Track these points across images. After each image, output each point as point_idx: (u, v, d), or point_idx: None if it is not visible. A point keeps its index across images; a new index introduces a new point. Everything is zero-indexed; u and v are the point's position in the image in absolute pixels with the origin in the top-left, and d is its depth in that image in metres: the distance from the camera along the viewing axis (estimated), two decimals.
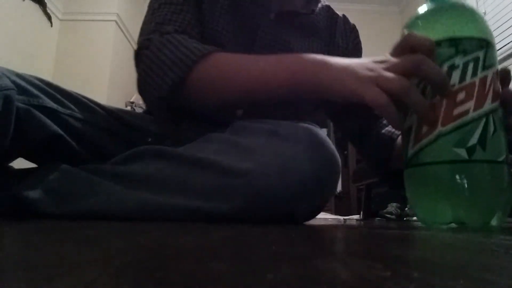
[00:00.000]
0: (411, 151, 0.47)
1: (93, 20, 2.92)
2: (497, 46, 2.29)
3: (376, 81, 0.44)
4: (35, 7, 2.52)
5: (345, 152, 3.01)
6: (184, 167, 0.51)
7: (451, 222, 0.45)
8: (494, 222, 0.45)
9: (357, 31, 0.92)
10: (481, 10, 2.49)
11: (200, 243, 0.28)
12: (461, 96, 0.43)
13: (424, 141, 0.45)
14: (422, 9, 0.49)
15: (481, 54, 0.44)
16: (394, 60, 0.47)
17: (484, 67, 0.44)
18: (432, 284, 0.13)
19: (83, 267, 0.16)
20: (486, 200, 0.44)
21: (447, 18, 0.47)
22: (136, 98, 3.34)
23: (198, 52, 0.56)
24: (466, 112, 0.43)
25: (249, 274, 0.15)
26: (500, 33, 2.28)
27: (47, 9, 2.63)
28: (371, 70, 0.46)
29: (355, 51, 0.91)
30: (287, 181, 0.46)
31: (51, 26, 2.71)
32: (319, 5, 0.83)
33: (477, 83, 0.43)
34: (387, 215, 1.98)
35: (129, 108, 3.19)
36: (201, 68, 0.56)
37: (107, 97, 2.77)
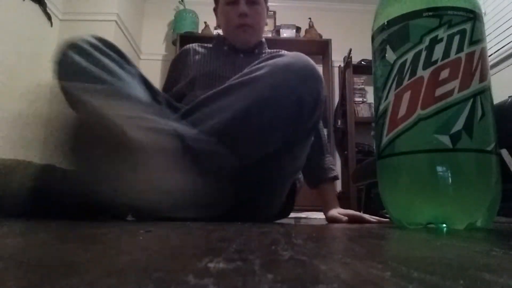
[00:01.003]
0: (385, 139, 0.41)
1: (93, 20, 2.92)
2: (497, 46, 2.29)
3: None
4: (35, 7, 2.52)
5: (345, 152, 3.01)
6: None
7: (430, 223, 0.39)
8: (479, 223, 0.38)
9: None
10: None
11: (200, 243, 0.28)
12: (444, 74, 0.37)
13: (401, 126, 0.39)
14: None
15: (468, 27, 0.38)
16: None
17: (472, 42, 0.38)
18: (432, 284, 0.13)
19: (83, 267, 0.16)
20: (472, 196, 0.37)
21: None
22: None
23: None
24: (450, 92, 0.37)
25: (249, 274, 0.15)
26: (500, 33, 2.28)
27: (47, 9, 2.63)
28: None
29: None
30: (290, 73, 0.65)
31: (51, 26, 2.71)
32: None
33: (463, 60, 0.37)
34: (387, 215, 1.98)
35: None
36: None
37: None
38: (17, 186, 0.55)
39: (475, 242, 0.32)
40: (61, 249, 0.22)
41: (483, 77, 0.38)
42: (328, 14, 3.51)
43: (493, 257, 0.21)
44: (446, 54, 0.38)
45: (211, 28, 3.52)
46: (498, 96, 1.60)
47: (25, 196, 0.54)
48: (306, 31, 3.32)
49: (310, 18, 3.35)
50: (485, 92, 0.38)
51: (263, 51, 1.12)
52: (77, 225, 0.57)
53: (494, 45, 2.34)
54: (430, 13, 0.38)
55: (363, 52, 3.59)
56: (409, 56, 0.39)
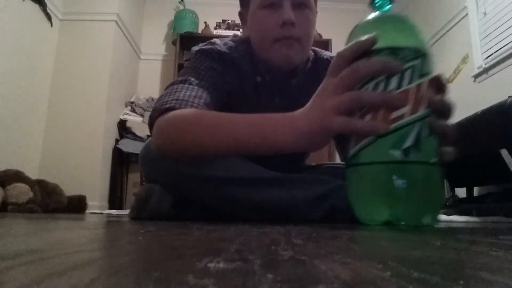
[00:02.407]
0: (351, 151, 0.49)
1: (93, 20, 2.92)
2: (497, 46, 2.29)
3: (333, 113, 0.49)
4: (35, 7, 2.52)
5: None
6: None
7: (388, 220, 0.47)
8: (426, 221, 0.47)
9: None
10: (481, 10, 2.49)
11: (200, 243, 0.28)
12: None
13: (364, 142, 0.47)
14: (367, 17, 0.53)
15: (417, 63, 0.47)
16: (335, 82, 0.50)
17: (420, 75, 0.47)
18: (432, 284, 0.13)
19: (83, 267, 0.16)
20: (420, 199, 0.46)
21: (388, 29, 0.50)
22: (136, 98, 3.35)
23: (166, 105, 0.69)
24: (402, 116, 0.45)
25: (249, 274, 0.15)
26: (500, 33, 2.28)
27: (47, 9, 2.63)
28: (323, 109, 0.51)
29: None
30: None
31: (51, 26, 2.71)
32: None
33: (413, 90, 0.46)
34: None
35: (129, 108, 3.19)
36: (162, 119, 0.68)
37: (107, 97, 2.77)
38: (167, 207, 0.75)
39: (475, 242, 0.32)
40: (61, 249, 0.22)
41: (429, 103, 0.48)
42: (328, 14, 3.51)
43: (493, 257, 0.21)
44: (399, 84, 0.47)
45: (211, 28, 3.52)
46: (498, 96, 1.60)
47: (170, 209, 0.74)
48: None
49: None
50: (431, 115, 0.47)
51: (306, 69, 0.87)
52: (76, 225, 0.57)
53: (494, 45, 2.34)
54: (388, 51, 0.47)
55: None
56: (371, 85, 0.48)
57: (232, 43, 0.86)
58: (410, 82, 0.46)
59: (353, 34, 0.53)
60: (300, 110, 0.56)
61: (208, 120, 0.65)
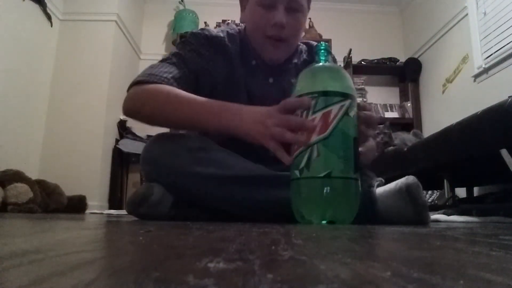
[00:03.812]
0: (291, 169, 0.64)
1: (93, 20, 2.91)
2: (497, 46, 2.29)
3: (270, 135, 0.65)
4: (35, 7, 2.52)
5: None
6: None
7: (323, 220, 0.60)
8: (344, 219, 0.61)
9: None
10: (481, 10, 2.49)
11: (200, 243, 0.28)
12: (301, 134, 0.62)
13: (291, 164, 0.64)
14: (312, 66, 0.68)
15: (347, 103, 0.62)
16: (280, 118, 0.65)
17: (315, 111, 0.61)
18: (432, 284, 0.13)
19: (83, 267, 0.16)
20: (340, 204, 0.60)
21: (321, 77, 0.65)
22: None
23: (142, 78, 0.81)
24: (300, 145, 0.61)
25: (249, 274, 0.15)
26: (500, 33, 2.28)
27: (47, 9, 2.62)
28: (265, 126, 0.66)
29: None
30: None
31: (51, 26, 2.71)
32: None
33: (310, 121, 0.61)
34: None
35: None
36: (135, 90, 0.82)
37: (107, 97, 2.77)
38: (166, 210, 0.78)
39: (475, 242, 0.32)
40: (61, 249, 0.22)
41: (323, 130, 0.60)
42: (328, 14, 3.51)
43: (493, 257, 0.21)
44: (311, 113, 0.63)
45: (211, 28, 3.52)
46: (498, 96, 1.60)
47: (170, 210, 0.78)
48: (306, 31, 3.32)
49: (310, 18, 3.35)
50: (325, 139, 0.60)
51: (293, 61, 0.95)
52: (76, 225, 0.57)
53: (494, 45, 2.34)
54: (320, 93, 0.62)
55: (363, 52, 3.59)
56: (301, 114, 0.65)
57: (228, 29, 0.95)
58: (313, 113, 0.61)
59: (300, 78, 0.67)
60: (252, 111, 0.70)
61: (166, 95, 0.77)
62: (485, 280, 0.14)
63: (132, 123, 3.01)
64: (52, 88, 2.75)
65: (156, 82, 0.80)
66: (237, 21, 3.53)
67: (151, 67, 0.86)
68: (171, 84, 0.80)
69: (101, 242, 0.31)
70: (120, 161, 2.98)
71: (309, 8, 0.90)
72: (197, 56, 0.87)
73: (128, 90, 0.84)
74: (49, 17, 2.69)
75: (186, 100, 0.76)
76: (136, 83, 0.83)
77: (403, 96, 3.46)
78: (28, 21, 2.47)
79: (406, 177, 0.68)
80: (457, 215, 1.37)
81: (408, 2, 3.49)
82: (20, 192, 1.78)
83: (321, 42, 0.71)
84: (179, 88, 0.80)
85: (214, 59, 0.88)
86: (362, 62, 3.37)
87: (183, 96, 0.77)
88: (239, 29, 0.96)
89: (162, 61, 0.87)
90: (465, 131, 1.45)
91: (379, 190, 0.70)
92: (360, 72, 3.37)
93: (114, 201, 2.89)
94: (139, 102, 0.81)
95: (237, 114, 0.71)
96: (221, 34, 0.91)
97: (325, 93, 0.62)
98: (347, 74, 0.66)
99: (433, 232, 0.43)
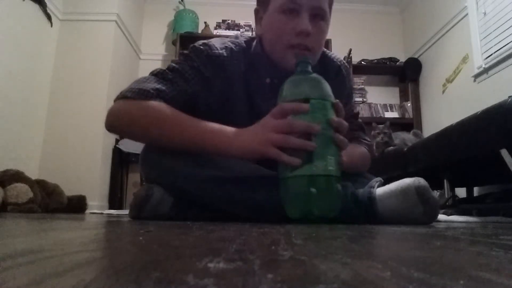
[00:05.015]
0: (281, 169, 0.66)
1: (93, 20, 2.91)
2: (497, 46, 2.29)
3: (271, 143, 0.65)
4: (35, 7, 2.52)
5: None
6: None
7: (307, 216, 0.63)
8: (330, 214, 0.64)
9: (344, 74, 0.96)
10: (481, 10, 2.49)
11: (200, 243, 0.28)
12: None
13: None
14: (294, 76, 0.70)
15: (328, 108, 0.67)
16: (275, 123, 0.65)
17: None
18: (432, 284, 0.13)
19: (83, 267, 0.16)
20: (323, 200, 0.63)
21: (305, 86, 0.68)
22: None
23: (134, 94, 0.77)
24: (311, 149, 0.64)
25: (249, 274, 0.15)
26: (500, 33, 2.28)
27: (47, 9, 2.62)
28: (265, 136, 0.66)
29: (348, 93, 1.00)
30: None
31: (51, 26, 2.71)
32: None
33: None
34: None
35: None
36: (122, 105, 0.79)
37: (107, 97, 2.77)
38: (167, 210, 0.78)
39: (475, 242, 0.32)
40: (61, 249, 0.22)
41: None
42: None
43: (493, 257, 0.21)
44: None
45: (211, 28, 3.52)
46: (498, 96, 1.60)
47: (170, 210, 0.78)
48: None
49: None
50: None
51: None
52: (76, 225, 0.57)
53: (494, 45, 2.34)
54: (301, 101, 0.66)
55: (363, 52, 3.59)
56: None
57: (234, 45, 0.86)
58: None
59: (285, 86, 0.69)
60: (248, 128, 0.70)
61: (156, 116, 0.75)
62: (485, 280, 0.14)
63: None
64: (52, 88, 2.75)
65: (145, 99, 0.76)
66: (237, 21, 3.54)
67: (143, 81, 0.80)
68: (164, 101, 0.76)
69: (101, 242, 0.31)
70: (120, 161, 2.98)
71: (330, 18, 0.85)
72: (197, 73, 0.82)
73: (114, 101, 0.81)
74: (49, 17, 2.69)
75: (179, 123, 0.74)
76: (123, 97, 0.79)
77: (403, 96, 3.46)
78: (28, 21, 2.47)
79: (413, 178, 0.68)
80: (457, 215, 1.37)
81: (408, 2, 3.49)
82: (20, 192, 1.78)
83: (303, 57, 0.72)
84: (172, 106, 0.76)
85: (213, 80, 0.83)
86: (362, 62, 3.37)
87: (176, 117, 0.74)
88: (247, 44, 0.88)
89: (157, 74, 0.82)
90: (465, 131, 1.45)
91: (379, 191, 0.70)
92: (360, 72, 3.37)
93: (114, 201, 2.89)
94: (127, 119, 0.77)
95: (237, 135, 0.70)
96: (224, 53, 0.84)
97: (308, 100, 0.65)
98: (326, 83, 0.69)
99: (433, 232, 0.43)
